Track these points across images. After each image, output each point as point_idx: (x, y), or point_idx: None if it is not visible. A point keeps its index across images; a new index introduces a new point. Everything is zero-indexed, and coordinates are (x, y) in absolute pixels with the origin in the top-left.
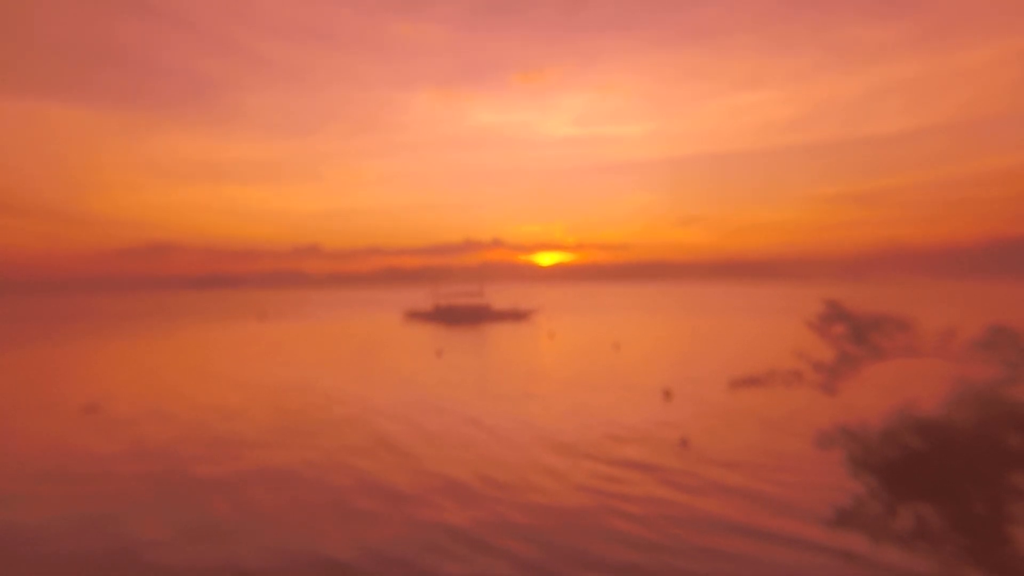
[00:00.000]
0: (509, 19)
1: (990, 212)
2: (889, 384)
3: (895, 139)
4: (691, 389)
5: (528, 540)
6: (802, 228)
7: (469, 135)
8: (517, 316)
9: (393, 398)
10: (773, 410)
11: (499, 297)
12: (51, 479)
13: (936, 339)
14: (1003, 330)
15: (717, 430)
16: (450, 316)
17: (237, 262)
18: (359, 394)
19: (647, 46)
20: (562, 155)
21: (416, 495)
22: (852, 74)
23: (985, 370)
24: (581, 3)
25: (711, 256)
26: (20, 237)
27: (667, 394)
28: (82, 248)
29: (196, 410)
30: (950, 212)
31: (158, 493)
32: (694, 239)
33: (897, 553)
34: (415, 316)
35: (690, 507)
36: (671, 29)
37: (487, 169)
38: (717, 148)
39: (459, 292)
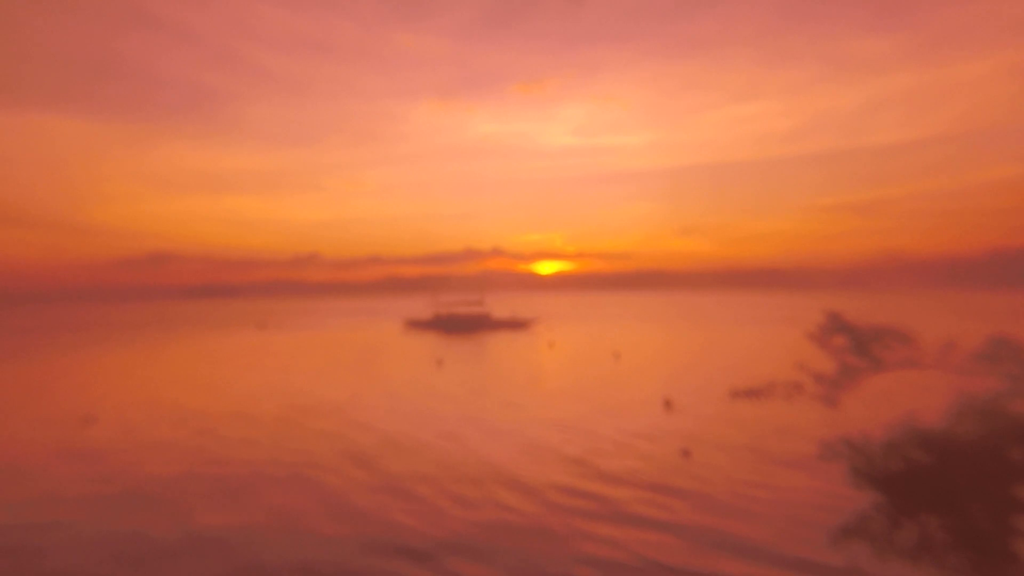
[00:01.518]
0: (509, 30)
1: (989, 223)
2: (890, 396)
3: (893, 150)
4: (691, 400)
5: None
6: (801, 238)
7: (469, 145)
8: (517, 325)
9: (385, 410)
10: (773, 424)
11: (499, 306)
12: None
13: (937, 351)
14: (1004, 342)
15: (714, 449)
16: (450, 325)
17: (237, 271)
18: (347, 412)
19: (647, 57)
20: (562, 165)
21: (370, 539)
22: (850, 86)
23: (987, 382)
24: (581, 15)
25: (711, 265)
26: (21, 248)
27: (667, 404)
28: (83, 258)
29: (168, 446)
30: (949, 223)
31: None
32: (694, 248)
33: (901, 567)
34: (415, 325)
35: (680, 551)
36: (670, 41)
37: (487, 179)
38: (716, 158)
39: (459, 301)
